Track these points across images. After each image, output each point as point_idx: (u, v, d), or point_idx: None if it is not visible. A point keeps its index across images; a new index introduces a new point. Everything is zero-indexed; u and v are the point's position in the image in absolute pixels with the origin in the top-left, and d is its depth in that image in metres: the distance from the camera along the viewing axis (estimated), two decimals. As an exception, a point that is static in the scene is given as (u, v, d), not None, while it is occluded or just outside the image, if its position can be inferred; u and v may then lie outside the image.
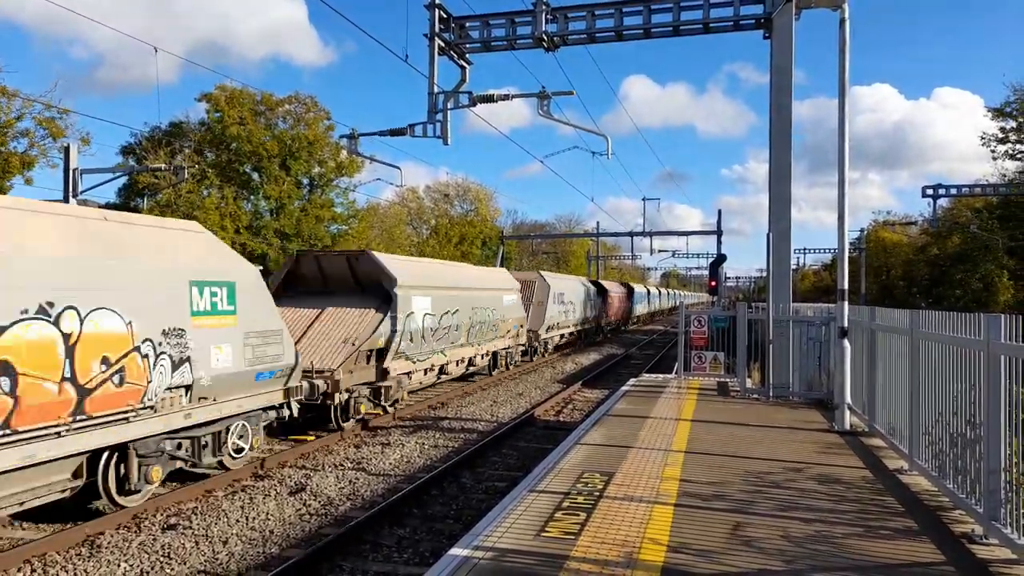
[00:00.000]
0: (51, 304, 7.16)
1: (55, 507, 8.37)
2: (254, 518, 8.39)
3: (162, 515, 8.45)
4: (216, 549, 7.46)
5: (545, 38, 15.03)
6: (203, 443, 9.26)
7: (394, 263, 15.42)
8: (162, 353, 8.48)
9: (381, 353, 14.10)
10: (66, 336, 7.28)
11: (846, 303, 10.43)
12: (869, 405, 9.75)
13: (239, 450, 9.92)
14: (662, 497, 6.76)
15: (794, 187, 13.81)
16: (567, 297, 30.24)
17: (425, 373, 16.47)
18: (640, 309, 54.80)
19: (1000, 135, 37.19)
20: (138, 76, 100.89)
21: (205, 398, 9.19)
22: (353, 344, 13.33)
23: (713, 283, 25.28)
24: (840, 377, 10.37)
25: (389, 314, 14.23)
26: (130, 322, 8.03)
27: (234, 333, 9.67)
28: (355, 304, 14.44)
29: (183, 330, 8.78)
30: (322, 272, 15.00)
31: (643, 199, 46.52)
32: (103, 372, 7.68)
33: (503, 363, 22.38)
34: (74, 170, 20.79)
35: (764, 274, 15.96)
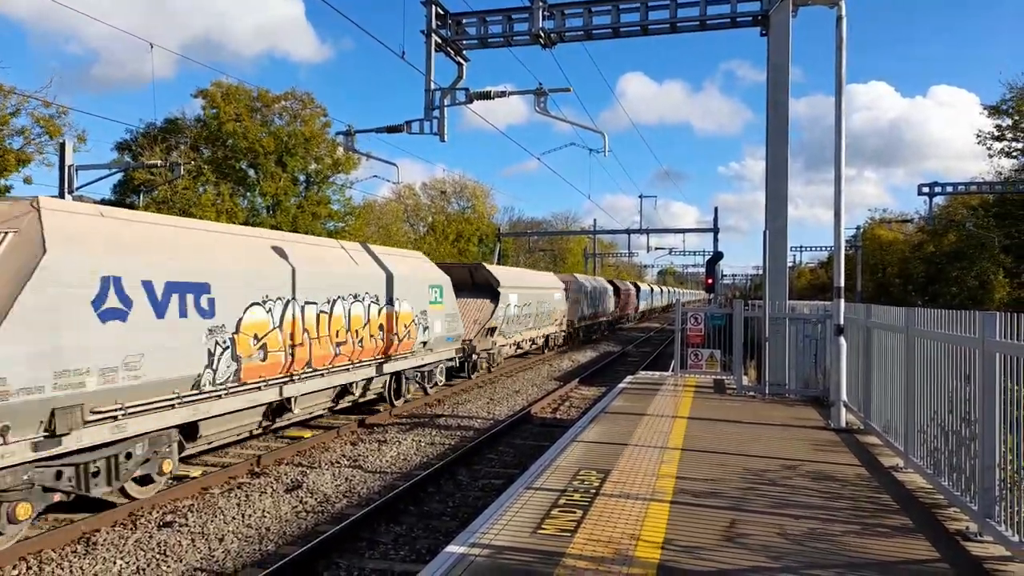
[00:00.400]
0: (397, 298, 14.68)
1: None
2: (250, 515, 8.38)
3: (158, 512, 8.44)
4: (212, 546, 7.45)
5: (542, 35, 15.00)
6: (424, 375, 16.45)
7: (498, 270, 23.07)
8: (420, 324, 15.76)
9: (492, 330, 21.12)
10: (397, 313, 14.66)
11: (842, 301, 10.45)
12: (865, 403, 9.78)
13: (435, 384, 17.24)
14: (658, 494, 6.77)
15: (791, 184, 13.83)
16: (596, 294, 37.28)
17: (510, 347, 23.87)
18: (644, 305, 62.13)
19: (996, 133, 37.22)
20: (134, 72, 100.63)
21: (430, 350, 16.48)
22: (480, 324, 20.42)
23: (710, 280, 25.28)
24: (836, 375, 10.40)
25: (498, 304, 21.19)
26: (412, 307, 15.40)
27: (442, 314, 16.99)
28: (475, 297, 21.54)
29: (426, 311, 16.16)
30: (450, 277, 20.35)
31: (640, 196, 46.49)
32: (403, 331, 15.01)
33: (552, 344, 29.70)
34: (70, 167, 20.72)
35: (760, 271, 15.97)
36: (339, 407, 13.52)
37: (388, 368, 14.38)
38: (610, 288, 43.20)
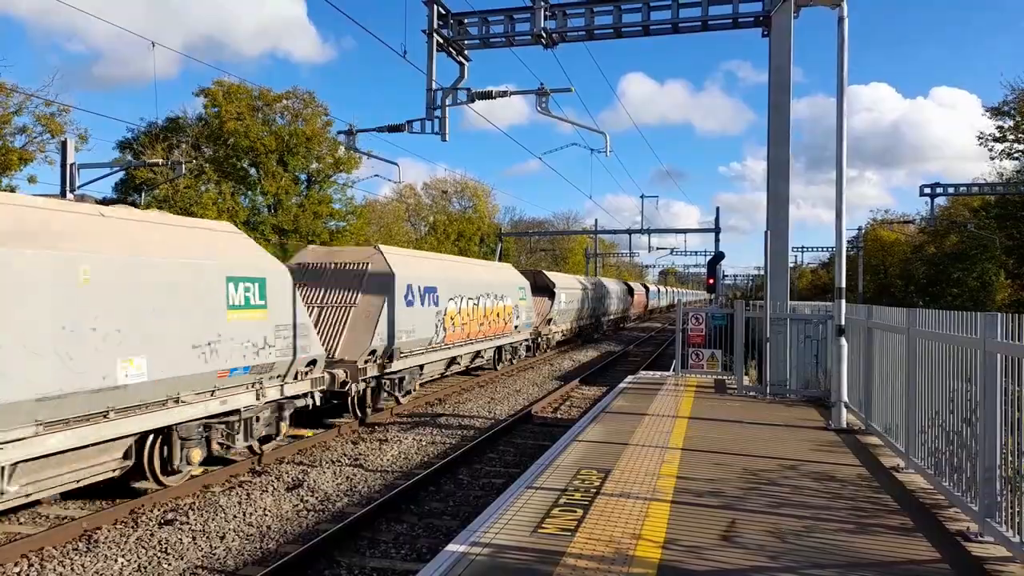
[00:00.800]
0: (503, 295, 21.50)
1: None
2: (251, 514, 8.39)
3: (159, 510, 8.45)
4: (213, 544, 7.46)
5: (544, 35, 15.01)
6: (514, 349, 23.21)
7: (553, 276, 30.96)
8: (514, 313, 22.29)
9: (549, 320, 28.63)
10: (504, 306, 21.55)
11: (843, 301, 10.45)
12: (866, 403, 9.77)
13: (519, 357, 24.22)
14: (659, 494, 6.77)
15: (792, 185, 13.82)
16: (614, 294, 45.66)
17: (559, 333, 31.28)
18: (653, 303, 73.01)
19: (997, 134, 37.20)
20: (137, 71, 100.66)
21: (518, 332, 23.15)
22: (542, 315, 27.70)
23: (711, 281, 25.30)
24: (837, 375, 10.40)
25: (554, 301, 28.97)
26: (510, 302, 22.17)
27: (525, 306, 23.85)
28: (537, 296, 27.86)
29: (517, 305, 22.70)
30: None
31: (641, 196, 46.48)
32: (506, 318, 21.70)
33: (586, 333, 37.46)
34: (71, 165, 20.75)
35: (762, 272, 16.00)
36: (472, 366, 20.29)
37: (498, 343, 21.41)
38: (627, 289, 53.26)
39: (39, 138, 26.77)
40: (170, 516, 8.20)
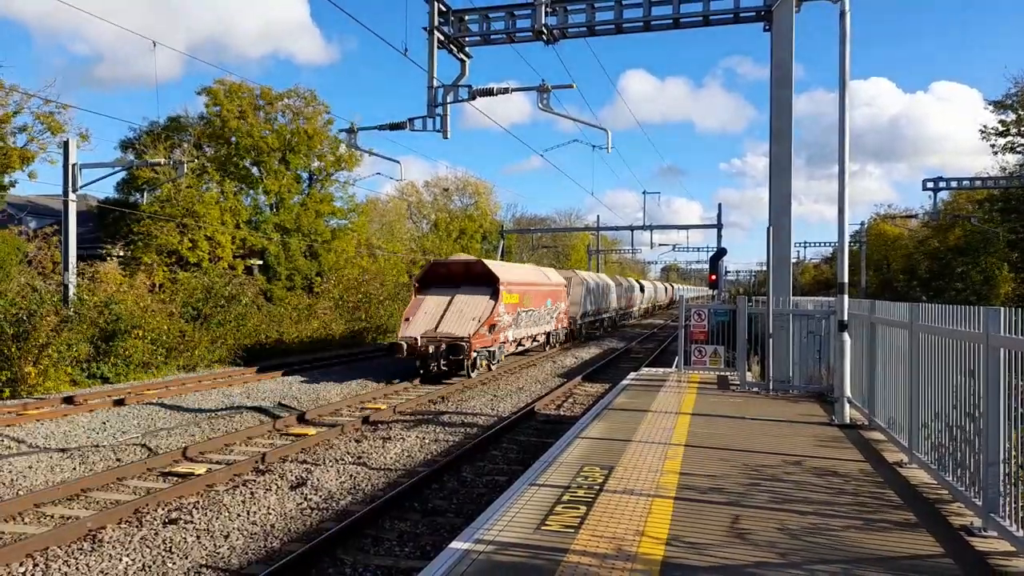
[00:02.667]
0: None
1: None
2: (255, 512, 8.41)
3: (163, 509, 8.47)
4: (217, 543, 7.48)
5: (545, 31, 14.98)
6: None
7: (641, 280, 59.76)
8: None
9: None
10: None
11: (846, 296, 10.43)
12: (869, 398, 9.76)
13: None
14: (662, 490, 6.77)
15: (793, 181, 13.77)
16: (658, 290, 63.79)
17: (639, 312, 56.34)
18: (677, 296, 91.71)
19: (1000, 128, 37.06)
20: (139, 73, 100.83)
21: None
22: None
23: (713, 277, 25.27)
24: (840, 370, 10.38)
25: (642, 293, 52.20)
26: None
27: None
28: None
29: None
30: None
31: (643, 193, 46.59)
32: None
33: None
34: (73, 165, 20.78)
35: (764, 268, 15.97)
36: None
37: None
38: (664, 287, 77.31)
39: (40, 137, 26.73)
40: (174, 515, 8.22)
